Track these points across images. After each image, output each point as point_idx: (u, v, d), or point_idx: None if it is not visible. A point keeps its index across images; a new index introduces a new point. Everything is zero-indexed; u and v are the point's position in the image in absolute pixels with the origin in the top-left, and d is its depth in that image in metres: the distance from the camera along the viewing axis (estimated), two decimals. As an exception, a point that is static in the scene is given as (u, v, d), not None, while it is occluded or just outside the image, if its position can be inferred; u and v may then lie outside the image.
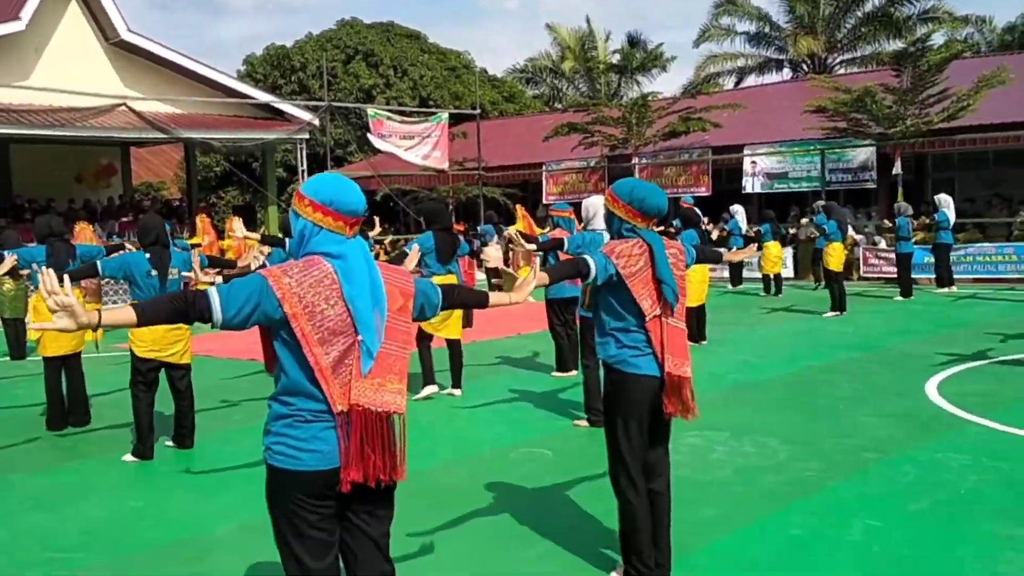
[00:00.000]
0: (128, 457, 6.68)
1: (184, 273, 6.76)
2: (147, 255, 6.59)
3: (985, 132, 20.07)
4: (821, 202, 18.24)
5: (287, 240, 7.75)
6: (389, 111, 27.06)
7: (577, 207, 8.01)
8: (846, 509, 5.08)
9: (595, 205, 7.11)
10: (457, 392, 8.60)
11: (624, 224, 4.08)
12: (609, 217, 4.14)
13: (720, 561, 4.45)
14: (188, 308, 2.79)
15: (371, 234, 10.68)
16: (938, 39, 25.40)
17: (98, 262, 6.63)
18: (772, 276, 17.03)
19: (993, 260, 17.56)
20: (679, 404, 4.03)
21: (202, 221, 12.94)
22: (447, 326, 8.42)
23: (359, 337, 2.84)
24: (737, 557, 4.50)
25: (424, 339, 8.40)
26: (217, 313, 2.78)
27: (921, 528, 4.77)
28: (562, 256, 7.56)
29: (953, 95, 19.38)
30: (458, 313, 8.43)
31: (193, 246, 12.62)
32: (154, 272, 6.56)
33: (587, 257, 3.96)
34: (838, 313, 13.57)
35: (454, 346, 8.59)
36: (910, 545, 4.55)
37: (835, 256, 13.82)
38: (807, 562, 4.41)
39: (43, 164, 23.58)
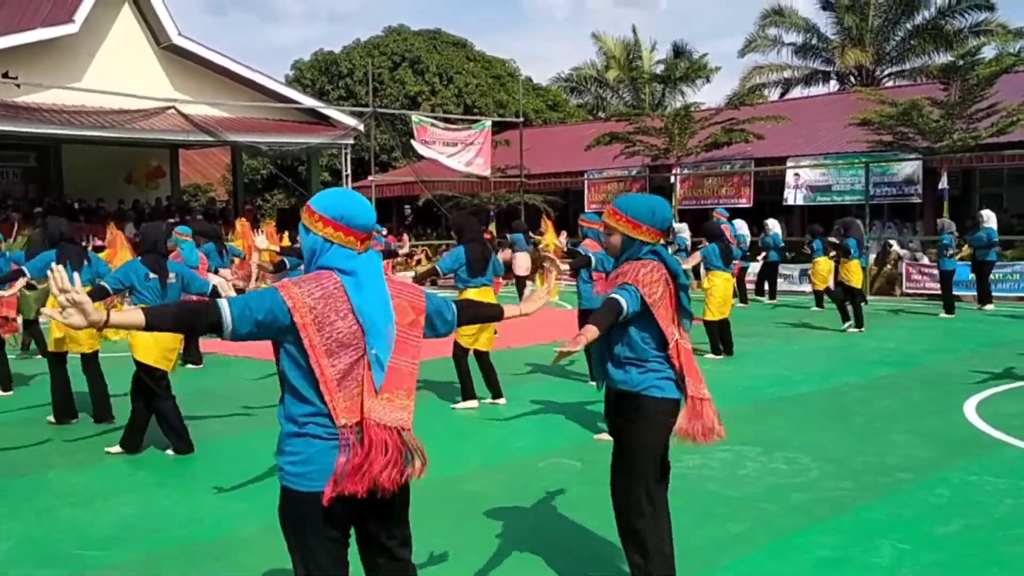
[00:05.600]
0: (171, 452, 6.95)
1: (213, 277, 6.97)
2: (141, 260, 6.88)
3: (1035, 148, 19.71)
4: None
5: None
6: (433, 118, 27.27)
7: None
8: (876, 530, 5.01)
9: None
10: (501, 401, 8.58)
11: (632, 241, 3.94)
12: (628, 240, 3.95)
13: (743, 578, 4.42)
14: (198, 318, 2.80)
15: (401, 251, 10.70)
16: (989, 52, 25.01)
17: (105, 283, 6.81)
18: (824, 291, 16.75)
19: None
20: (700, 427, 3.91)
21: (242, 225, 13.04)
22: (481, 340, 8.42)
23: (372, 351, 2.84)
24: (760, 575, 4.46)
25: (461, 353, 8.43)
26: (228, 324, 2.78)
27: (951, 551, 4.69)
28: (595, 276, 7.73)
29: (1003, 110, 19.05)
30: (492, 327, 8.43)
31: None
32: (152, 275, 6.81)
33: (617, 296, 3.79)
34: (860, 329, 13.44)
35: (483, 359, 8.55)
36: (939, 568, 4.48)
37: (854, 273, 13.72)
38: (832, 582, 4.36)
39: (94, 165, 24.12)
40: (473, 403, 8.50)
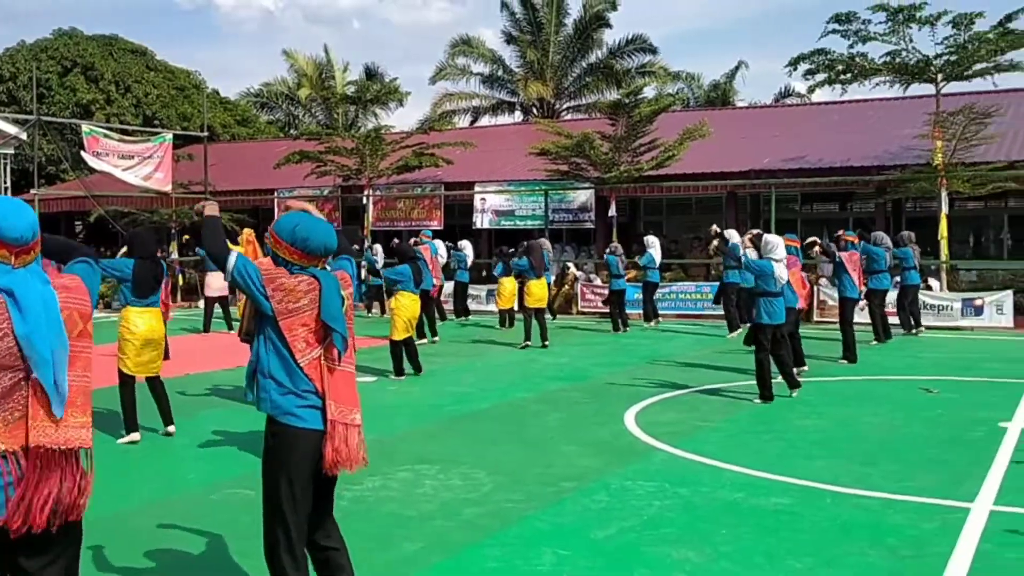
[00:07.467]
0: None
1: None
2: None
3: (688, 180, 21.94)
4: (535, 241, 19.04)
5: None
6: (108, 128, 25.49)
7: None
8: (540, 539, 5.29)
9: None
10: (171, 429, 8.12)
11: (292, 266, 3.72)
12: (274, 257, 3.80)
13: (414, 597, 4.49)
14: None
15: None
16: (651, 92, 27.54)
17: None
18: (507, 311, 17.51)
19: (693, 297, 19.14)
20: (345, 454, 3.63)
21: None
22: (146, 365, 7.95)
23: (34, 375, 2.59)
24: (431, 592, 4.56)
25: (127, 380, 7.90)
26: None
27: (605, 555, 5.05)
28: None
29: (661, 145, 21.02)
30: (159, 351, 8.01)
31: None
32: None
33: (232, 256, 3.69)
34: (541, 344, 14.35)
35: (155, 384, 8.09)
36: (594, 571, 4.80)
37: (532, 292, 14.69)
38: (498, 593, 4.54)
39: None
40: (135, 435, 7.96)
